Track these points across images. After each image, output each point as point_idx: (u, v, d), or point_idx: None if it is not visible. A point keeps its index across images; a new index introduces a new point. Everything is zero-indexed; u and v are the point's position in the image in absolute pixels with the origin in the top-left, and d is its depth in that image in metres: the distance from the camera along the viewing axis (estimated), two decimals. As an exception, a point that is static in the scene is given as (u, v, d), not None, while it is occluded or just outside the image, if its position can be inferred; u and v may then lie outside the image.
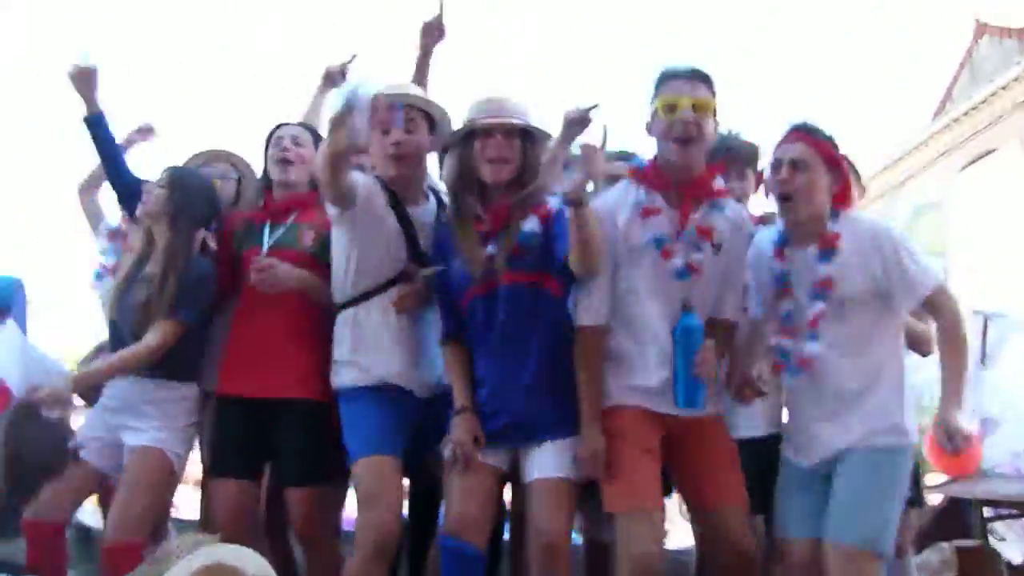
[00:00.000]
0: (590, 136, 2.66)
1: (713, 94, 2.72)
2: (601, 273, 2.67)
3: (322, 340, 3.00)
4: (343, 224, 2.88)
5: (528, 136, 2.82)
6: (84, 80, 3.40)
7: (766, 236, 2.94)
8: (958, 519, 4.85)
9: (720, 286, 2.80)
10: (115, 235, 4.01)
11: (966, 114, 16.84)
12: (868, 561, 2.59)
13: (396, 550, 2.83)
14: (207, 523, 3.20)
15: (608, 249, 2.67)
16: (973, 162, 16.73)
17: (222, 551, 2.56)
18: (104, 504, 3.54)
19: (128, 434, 3.10)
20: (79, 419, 4.43)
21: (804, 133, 2.80)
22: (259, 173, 3.46)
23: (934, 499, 5.17)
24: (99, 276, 4.04)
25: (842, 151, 2.86)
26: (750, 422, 3.10)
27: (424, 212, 3.01)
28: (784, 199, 2.77)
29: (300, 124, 3.39)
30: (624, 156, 3.44)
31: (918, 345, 3.12)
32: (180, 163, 3.49)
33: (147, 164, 3.64)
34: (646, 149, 2.87)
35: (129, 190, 3.38)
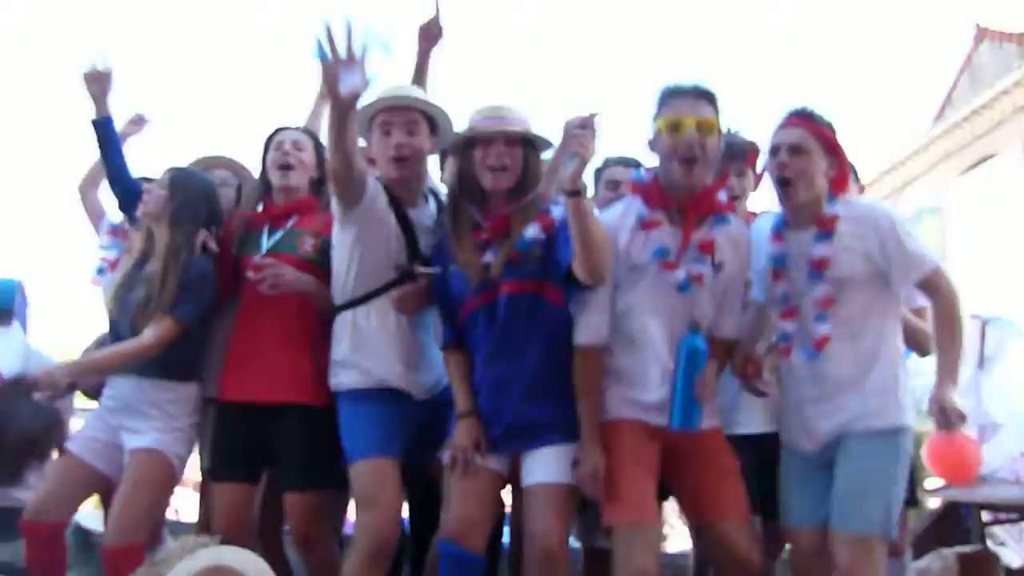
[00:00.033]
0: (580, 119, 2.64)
1: (717, 112, 2.71)
2: (605, 281, 2.65)
3: (322, 345, 3.00)
4: (349, 223, 2.87)
5: (529, 144, 2.82)
6: (98, 82, 3.43)
7: (765, 221, 2.97)
8: (956, 524, 4.85)
9: (719, 304, 2.79)
10: (116, 232, 4.01)
11: (966, 119, 16.84)
12: (875, 544, 2.61)
13: (394, 553, 2.83)
14: (205, 526, 3.21)
15: (611, 260, 2.65)
16: (973, 167, 16.74)
17: (223, 553, 2.57)
18: (106, 505, 3.54)
19: (128, 436, 3.10)
20: (79, 421, 4.47)
21: (803, 118, 2.81)
22: (257, 177, 3.45)
23: (933, 503, 5.18)
24: (101, 271, 4.05)
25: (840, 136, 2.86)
26: (749, 418, 3.10)
27: (423, 214, 3.01)
28: (783, 184, 2.79)
29: (300, 129, 3.38)
30: (625, 162, 3.46)
31: (918, 345, 3.12)
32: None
33: (147, 165, 3.64)
34: (646, 155, 2.86)
35: (129, 195, 3.38)
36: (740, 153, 3.22)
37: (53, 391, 3.05)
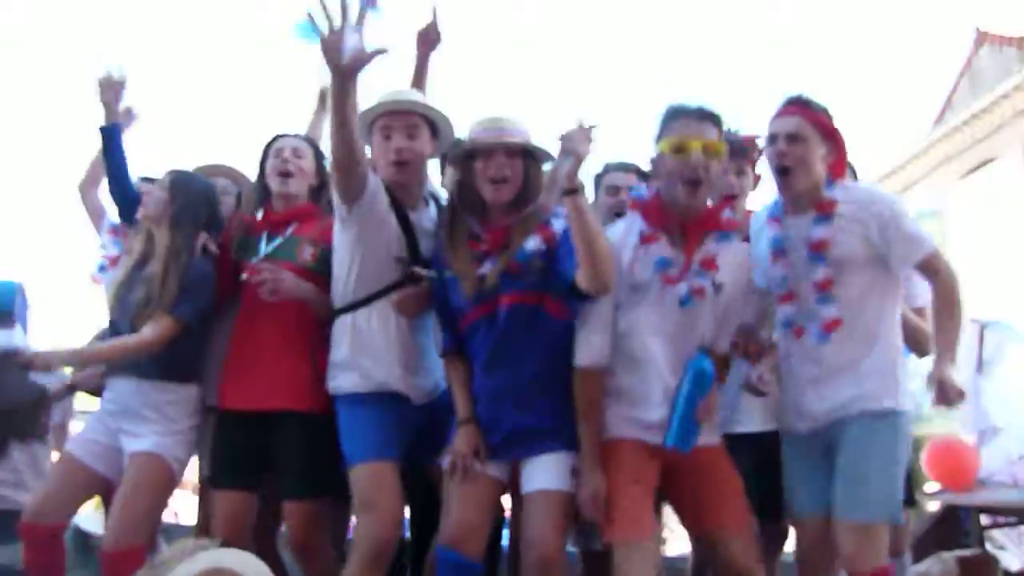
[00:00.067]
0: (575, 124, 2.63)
1: (721, 134, 2.70)
2: (610, 291, 2.63)
3: (321, 352, 3.00)
4: (350, 221, 2.86)
5: (529, 156, 2.81)
6: (111, 90, 3.47)
7: (764, 209, 2.99)
8: (955, 527, 4.86)
9: (719, 323, 2.78)
10: (117, 231, 4.01)
11: (966, 122, 16.83)
12: (878, 531, 2.63)
13: (394, 557, 2.82)
14: (205, 529, 3.21)
15: (615, 267, 2.63)
16: (973, 170, 16.73)
17: (223, 555, 2.57)
18: (107, 507, 3.55)
19: (128, 440, 3.10)
20: (80, 423, 4.47)
21: (799, 106, 2.82)
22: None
23: (932, 506, 5.19)
24: (102, 268, 4.05)
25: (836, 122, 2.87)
26: (749, 417, 3.11)
27: (424, 217, 3.02)
28: (782, 172, 2.79)
29: (299, 136, 3.38)
30: (626, 167, 3.46)
31: (917, 345, 3.11)
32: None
33: (148, 165, 3.65)
34: (646, 159, 2.86)
35: (128, 201, 3.41)
36: (740, 151, 3.21)
37: (45, 369, 3.03)
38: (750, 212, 3.25)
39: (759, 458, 2.98)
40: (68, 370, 4.22)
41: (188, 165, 3.51)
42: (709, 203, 2.79)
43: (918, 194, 17.62)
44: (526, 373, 2.72)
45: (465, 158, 2.83)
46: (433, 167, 3.22)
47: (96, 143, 3.72)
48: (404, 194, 2.95)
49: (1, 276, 3.73)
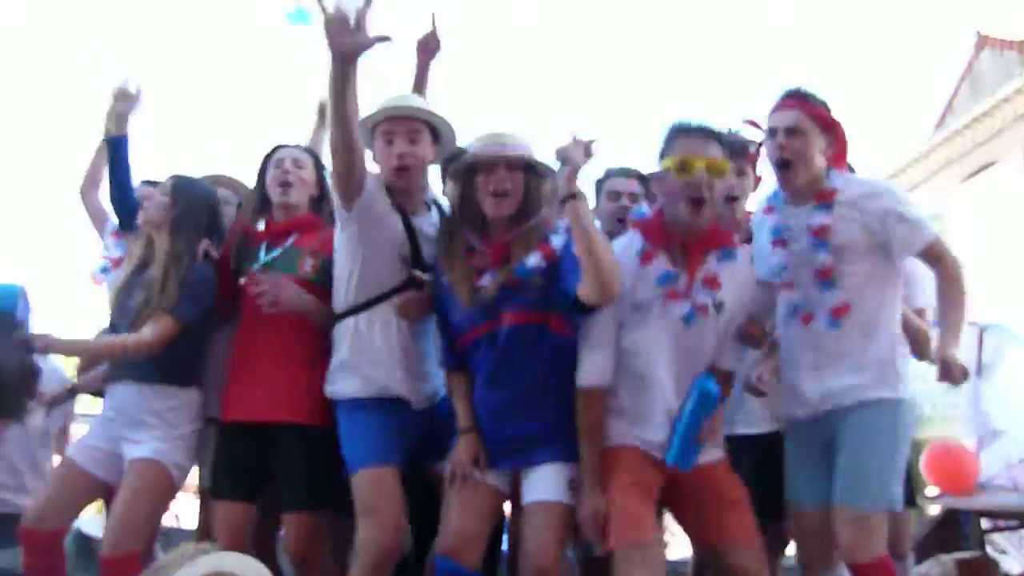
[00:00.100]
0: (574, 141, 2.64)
1: (725, 152, 2.69)
2: (616, 299, 2.62)
3: (321, 364, 3.00)
4: (349, 222, 2.86)
5: (531, 171, 2.81)
6: (126, 102, 3.51)
7: (765, 200, 3.00)
8: (956, 530, 4.86)
9: (722, 340, 2.78)
10: (120, 234, 4.03)
11: (967, 126, 16.83)
12: (877, 521, 2.62)
13: (397, 562, 2.81)
14: (205, 532, 3.21)
15: (619, 275, 2.62)
16: (974, 174, 16.72)
17: (224, 559, 2.57)
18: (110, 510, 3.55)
19: (128, 446, 3.10)
20: (81, 426, 4.47)
21: (797, 99, 2.82)
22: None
23: (933, 510, 5.19)
24: (105, 270, 4.06)
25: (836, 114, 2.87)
26: (748, 419, 3.11)
27: (426, 222, 3.02)
28: (782, 165, 2.80)
29: (300, 146, 3.38)
30: (627, 172, 3.47)
31: (917, 347, 3.12)
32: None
33: (149, 165, 3.66)
34: (646, 163, 2.87)
35: (129, 211, 3.44)
36: (740, 152, 3.20)
37: (43, 348, 3.03)
38: (750, 213, 3.25)
39: (759, 459, 2.99)
40: (71, 373, 4.24)
41: (188, 169, 3.52)
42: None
43: (919, 198, 17.58)
44: (527, 387, 2.72)
45: (466, 172, 2.83)
46: (434, 173, 3.22)
47: (94, 145, 3.75)
48: (405, 199, 2.95)
49: (2, 278, 3.72)
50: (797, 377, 2.85)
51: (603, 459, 2.67)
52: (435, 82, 3.45)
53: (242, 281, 3.10)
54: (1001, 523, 5.14)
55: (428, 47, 3.44)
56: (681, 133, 2.70)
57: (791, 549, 3.19)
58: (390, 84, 3.12)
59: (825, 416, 2.77)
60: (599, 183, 3.55)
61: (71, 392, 3.78)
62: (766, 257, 2.90)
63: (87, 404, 4.62)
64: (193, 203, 3.23)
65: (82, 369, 4.05)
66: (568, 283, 2.63)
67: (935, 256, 2.73)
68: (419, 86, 3.43)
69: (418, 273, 2.91)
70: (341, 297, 2.96)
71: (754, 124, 3.03)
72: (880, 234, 2.72)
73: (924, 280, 3.03)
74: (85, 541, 4.04)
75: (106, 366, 3.41)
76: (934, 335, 2.89)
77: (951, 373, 2.55)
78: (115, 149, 3.50)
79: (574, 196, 2.51)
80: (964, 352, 2.84)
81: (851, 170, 3.21)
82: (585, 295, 2.57)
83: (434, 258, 2.93)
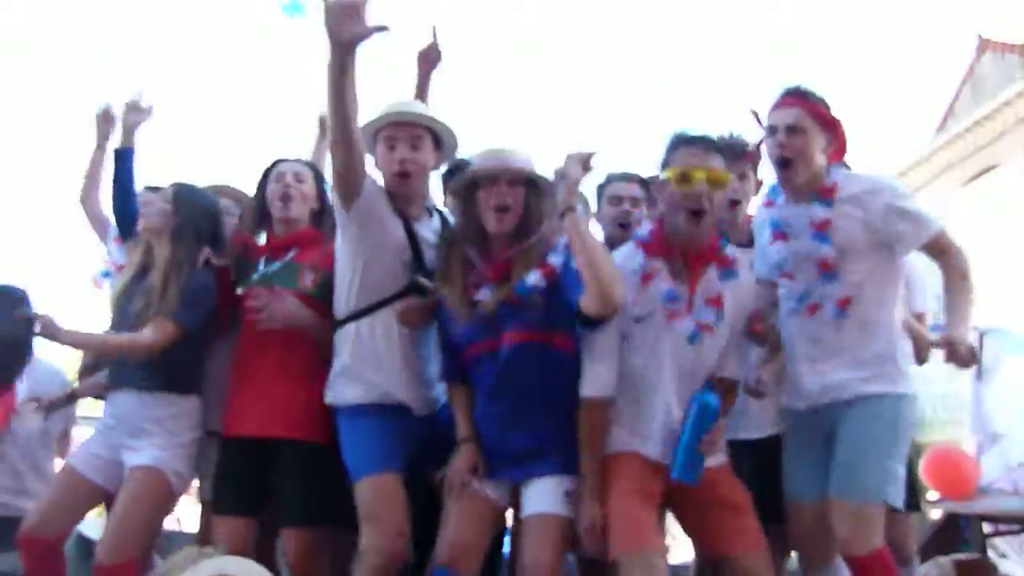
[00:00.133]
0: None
1: (726, 164, 2.69)
2: (620, 310, 2.61)
3: (320, 380, 3.00)
4: (349, 224, 2.85)
5: (532, 186, 2.80)
6: (136, 115, 3.56)
7: (766, 216, 3.00)
8: (957, 535, 4.85)
9: (724, 351, 2.78)
10: (122, 239, 4.04)
11: (968, 130, 16.86)
12: (874, 514, 2.61)
13: (400, 569, 2.81)
14: (206, 536, 3.20)
15: (622, 286, 2.61)
16: (975, 178, 16.74)
17: (227, 563, 2.58)
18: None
19: (128, 453, 3.09)
20: (82, 429, 4.48)
21: (797, 97, 2.82)
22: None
23: (934, 514, 5.18)
24: (107, 274, 4.06)
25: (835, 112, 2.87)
26: (748, 423, 3.11)
27: (427, 228, 3.02)
28: (783, 164, 2.80)
29: (300, 160, 3.38)
30: (628, 177, 3.48)
31: (917, 351, 3.12)
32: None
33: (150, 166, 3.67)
34: (647, 167, 2.87)
35: (128, 220, 3.44)
36: (742, 155, 3.21)
37: (48, 337, 3.04)
38: (751, 216, 3.25)
39: (759, 463, 2.99)
40: (72, 376, 4.24)
41: (187, 169, 3.54)
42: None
43: (920, 201, 17.63)
44: (528, 401, 2.73)
45: (468, 188, 2.82)
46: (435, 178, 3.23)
47: (88, 152, 3.77)
48: (406, 205, 2.95)
49: (2, 280, 3.72)
50: (797, 370, 2.86)
51: (604, 466, 2.67)
52: (436, 89, 3.46)
53: (240, 291, 3.10)
54: (1003, 527, 5.13)
55: (429, 58, 3.45)
56: (682, 143, 2.69)
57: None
58: (391, 92, 3.12)
59: (824, 409, 2.78)
60: (600, 188, 3.55)
61: (70, 397, 3.78)
62: (767, 253, 2.91)
63: (88, 407, 4.63)
64: (194, 211, 3.24)
65: (82, 374, 4.05)
66: (571, 296, 2.62)
67: (940, 249, 2.73)
68: (420, 96, 3.43)
69: (422, 280, 2.91)
70: (342, 303, 2.96)
71: (757, 116, 3.03)
72: (881, 231, 2.72)
73: (923, 284, 3.02)
74: (87, 544, 4.03)
75: (106, 373, 3.41)
76: (934, 338, 2.89)
77: (958, 353, 2.53)
78: (122, 160, 3.53)
79: (572, 209, 2.52)
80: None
81: (847, 168, 3.22)
82: (588, 307, 2.56)
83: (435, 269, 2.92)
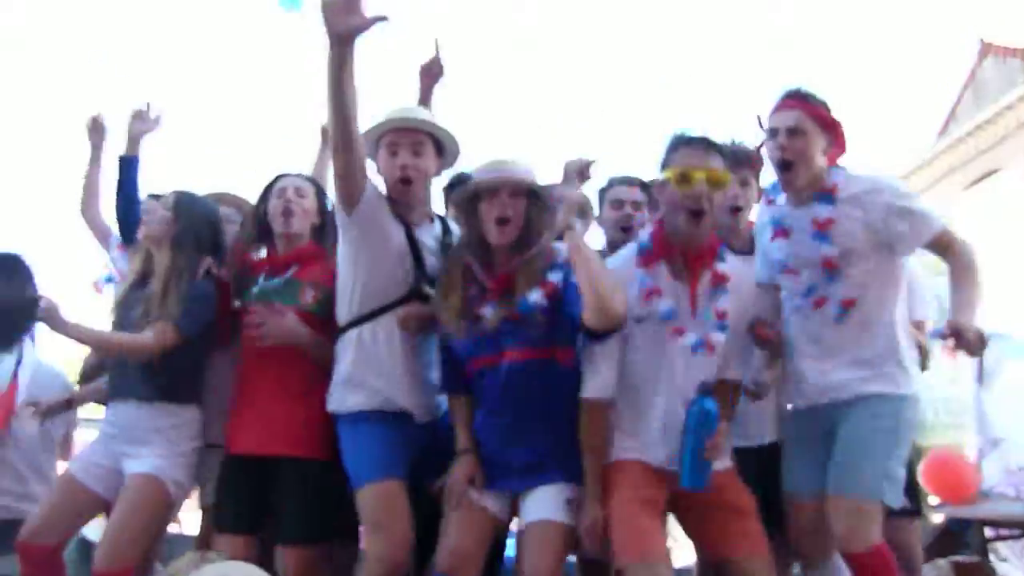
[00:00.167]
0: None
1: (726, 165, 2.69)
2: (621, 325, 2.62)
3: (321, 397, 2.99)
4: (351, 230, 2.85)
5: (533, 197, 2.79)
6: (142, 124, 3.61)
7: (765, 214, 3.01)
8: (959, 539, 4.85)
9: (727, 352, 2.78)
10: (125, 247, 4.04)
11: (970, 134, 16.87)
12: (872, 511, 2.61)
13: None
14: (206, 540, 3.19)
15: (623, 298, 2.62)
16: (977, 182, 16.75)
17: (229, 568, 2.58)
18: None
19: (127, 461, 3.09)
20: (83, 430, 4.47)
21: (798, 99, 2.82)
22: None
23: (935, 519, 5.18)
24: (110, 279, 4.06)
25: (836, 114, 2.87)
26: (747, 431, 3.11)
27: (428, 235, 3.02)
28: (784, 167, 2.80)
29: (301, 175, 3.38)
30: (629, 181, 3.48)
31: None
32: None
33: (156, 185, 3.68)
34: (649, 171, 2.88)
35: (130, 226, 3.45)
36: (744, 162, 3.20)
37: (51, 325, 3.03)
38: (752, 224, 3.25)
39: (761, 469, 2.98)
40: (73, 378, 4.24)
41: (192, 181, 3.55)
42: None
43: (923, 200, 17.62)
44: (530, 417, 2.73)
45: (469, 200, 2.82)
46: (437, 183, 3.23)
47: (83, 162, 3.78)
48: (408, 211, 2.95)
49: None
50: (798, 369, 2.87)
51: (607, 473, 2.67)
52: (438, 102, 3.44)
53: (238, 304, 3.13)
54: (1004, 531, 5.13)
55: (431, 72, 3.44)
56: (682, 144, 2.69)
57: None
58: (392, 102, 3.11)
59: (824, 408, 2.78)
60: (602, 192, 3.56)
61: (68, 403, 3.77)
62: (768, 251, 2.91)
63: (90, 409, 4.63)
64: (195, 219, 3.24)
65: (83, 380, 4.05)
66: (573, 310, 2.63)
67: (944, 246, 2.71)
68: None
69: (427, 289, 2.91)
70: (344, 309, 2.96)
71: (760, 121, 3.03)
72: (883, 231, 2.72)
73: (923, 293, 3.02)
74: (88, 547, 4.03)
75: (106, 379, 3.41)
76: (935, 347, 2.89)
77: (965, 339, 2.47)
78: (126, 169, 3.55)
79: (572, 227, 2.52)
80: (967, 362, 2.84)
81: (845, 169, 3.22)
82: (589, 321, 2.58)
83: (437, 277, 2.92)
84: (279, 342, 3.00)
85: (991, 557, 4.80)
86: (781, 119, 2.81)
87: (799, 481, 2.84)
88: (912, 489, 3.18)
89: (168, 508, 3.14)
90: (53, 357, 4.45)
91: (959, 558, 4.10)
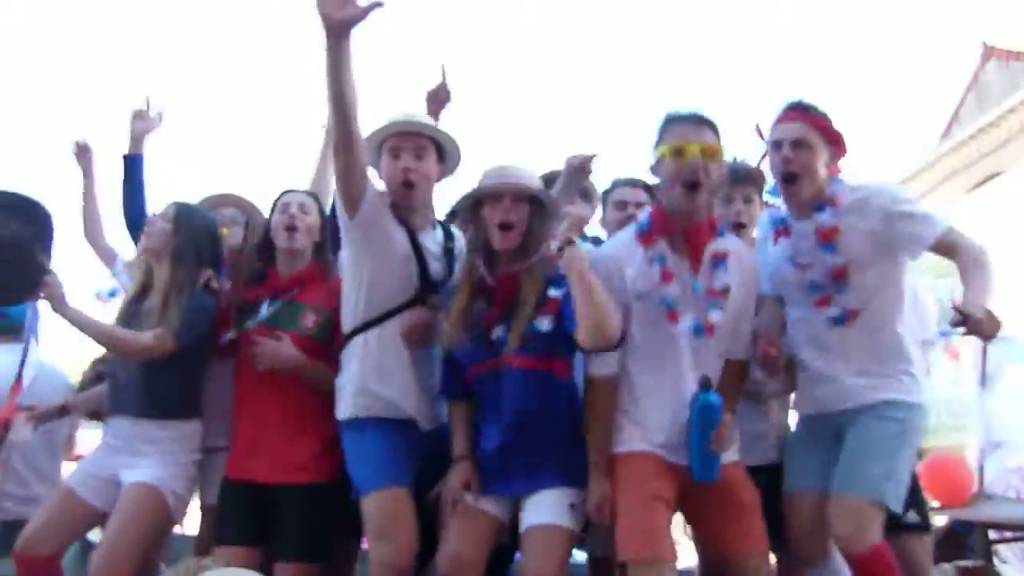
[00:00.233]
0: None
1: (719, 139, 2.71)
2: (611, 345, 2.62)
3: (322, 423, 3.01)
4: (354, 232, 2.85)
5: (536, 203, 2.80)
6: (145, 122, 3.64)
7: (765, 216, 3.03)
8: (963, 541, 4.85)
9: (732, 328, 2.79)
10: (131, 267, 4.04)
11: (973, 137, 16.84)
12: (873, 513, 2.61)
13: None
14: (206, 542, 3.20)
15: (616, 322, 2.61)
16: (980, 184, 16.72)
17: (227, 574, 2.58)
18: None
19: (126, 472, 3.09)
20: (84, 431, 4.47)
21: (801, 111, 2.83)
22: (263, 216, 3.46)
23: (937, 521, 5.17)
24: (113, 294, 4.06)
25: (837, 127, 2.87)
26: (749, 451, 3.10)
27: (431, 240, 3.03)
28: (788, 180, 2.80)
29: (306, 192, 3.39)
30: (633, 183, 3.48)
31: None
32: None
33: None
34: (651, 174, 2.88)
35: (139, 228, 3.43)
36: (747, 179, 3.22)
37: (47, 291, 3.04)
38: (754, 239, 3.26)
39: (765, 489, 2.97)
40: (75, 379, 4.24)
41: (192, 182, 3.56)
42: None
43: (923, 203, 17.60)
44: (530, 423, 2.73)
45: (473, 205, 2.83)
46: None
47: (77, 186, 3.80)
48: (410, 214, 2.95)
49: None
50: (806, 378, 2.88)
51: (616, 467, 2.68)
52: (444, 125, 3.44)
53: (235, 334, 3.16)
54: (1008, 534, 5.12)
55: (438, 98, 3.47)
56: (675, 121, 2.72)
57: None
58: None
59: (833, 415, 2.80)
60: (605, 193, 3.57)
61: (62, 410, 3.77)
62: (773, 273, 2.91)
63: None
64: (195, 232, 3.25)
65: (82, 386, 4.06)
66: (572, 326, 2.63)
67: (949, 247, 2.70)
68: None
69: (432, 298, 2.93)
70: (350, 315, 2.96)
71: (760, 132, 3.03)
72: (886, 237, 2.72)
73: (928, 312, 3.02)
74: (88, 547, 4.03)
75: (105, 387, 3.40)
76: (936, 348, 2.88)
77: (973, 319, 2.40)
78: (131, 166, 3.56)
79: (572, 243, 2.51)
80: (969, 364, 2.84)
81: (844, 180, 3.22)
82: (582, 341, 2.59)
83: (441, 280, 2.95)
84: (274, 368, 3.01)
85: (994, 560, 4.79)
86: (785, 131, 2.82)
87: (800, 477, 2.85)
88: (920, 504, 3.18)
89: (166, 519, 3.14)
90: (55, 357, 4.46)
91: (965, 563, 4.09)
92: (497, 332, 2.74)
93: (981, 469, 5.08)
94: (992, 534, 4.89)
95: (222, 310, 3.22)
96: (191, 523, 4.18)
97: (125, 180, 3.59)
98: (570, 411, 2.77)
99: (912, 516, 3.06)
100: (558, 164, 3.22)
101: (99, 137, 3.88)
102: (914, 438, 2.75)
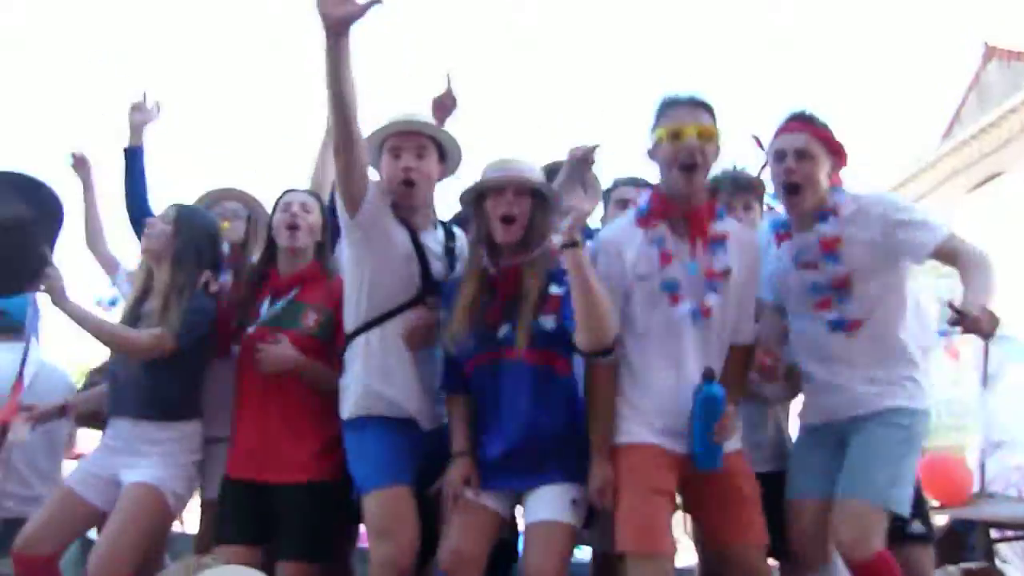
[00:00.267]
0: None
1: (715, 122, 2.71)
2: (607, 348, 2.63)
3: (323, 422, 3.02)
4: (355, 231, 2.85)
5: (538, 197, 2.80)
6: (143, 115, 3.65)
7: (766, 222, 3.03)
8: (964, 541, 4.84)
9: (736, 312, 2.78)
10: (133, 276, 4.04)
11: (974, 137, 16.84)
12: (877, 518, 2.61)
13: None
14: (206, 542, 3.20)
15: (614, 322, 2.62)
16: (981, 184, 16.72)
17: (227, 573, 2.58)
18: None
19: (126, 471, 3.09)
20: (85, 431, 4.47)
21: (803, 122, 2.84)
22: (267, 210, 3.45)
23: (938, 521, 5.17)
24: (113, 302, 4.07)
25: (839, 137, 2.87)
26: (751, 458, 3.10)
27: (432, 240, 3.03)
28: (791, 190, 2.80)
29: (307, 191, 3.40)
30: (635, 182, 3.49)
31: None
32: (188, 201, 3.50)
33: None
34: (653, 172, 2.88)
35: (141, 222, 3.43)
36: (747, 187, 3.23)
37: (48, 283, 3.04)
38: None
39: (767, 497, 2.97)
40: (76, 378, 4.25)
41: (193, 180, 3.56)
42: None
43: (925, 207, 17.60)
44: (530, 414, 2.73)
45: (476, 198, 2.84)
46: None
47: (77, 197, 3.80)
48: (411, 214, 2.96)
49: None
50: (811, 388, 2.89)
51: (617, 458, 2.68)
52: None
53: (241, 331, 3.16)
54: (1010, 533, 5.12)
55: (444, 106, 3.46)
56: (671, 105, 2.72)
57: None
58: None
59: (839, 423, 2.80)
60: (607, 192, 3.57)
61: (61, 411, 3.78)
62: (775, 280, 2.92)
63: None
64: (196, 233, 3.25)
65: (83, 387, 4.06)
66: (571, 325, 2.63)
67: (950, 253, 2.69)
68: None
69: (432, 299, 2.93)
70: (352, 315, 2.95)
71: (759, 142, 3.03)
72: (887, 246, 2.73)
73: (929, 319, 3.02)
74: (89, 545, 4.04)
75: (105, 387, 3.41)
76: (937, 349, 2.89)
77: (973, 318, 2.39)
78: (131, 159, 3.55)
79: (575, 244, 2.50)
80: (970, 363, 2.85)
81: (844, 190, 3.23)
82: (579, 342, 2.60)
83: (444, 291, 2.94)
84: (274, 369, 3.01)
85: (996, 559, 4.79)
86: (788, 141, 2.82)
87: (803, 486, 2.85)
88: (925, 515, 3.18)
89: (166, 520, 3.15)
90: (57, 357, 4.46)
91: (970, 565, 4.09)
92: (503, 331, 2.74)
93: (983, 468, 5.07)
94: (993, 533, 4.89)
95: (222, 311, 3.22)
96: (191, 520, 4.18)
97: (126, 173, 3.60)
98: (570, 407, 2.77)
99: (917, 527, 3.07)
100: (560, 156, 3.21)
101: (99, 137, 3.90)
102: (919, 444, 2.76)
